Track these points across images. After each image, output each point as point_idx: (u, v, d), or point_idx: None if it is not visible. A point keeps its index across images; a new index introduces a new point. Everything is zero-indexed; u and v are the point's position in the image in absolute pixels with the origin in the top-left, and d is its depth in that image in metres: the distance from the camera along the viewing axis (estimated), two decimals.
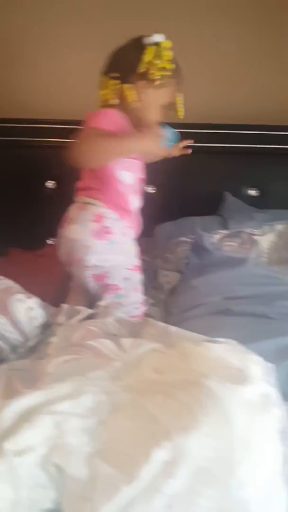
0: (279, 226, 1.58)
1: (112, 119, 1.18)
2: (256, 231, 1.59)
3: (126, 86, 1.18)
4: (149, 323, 0.96)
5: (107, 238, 1.23)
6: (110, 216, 1.24)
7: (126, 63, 1.19)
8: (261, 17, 1.85)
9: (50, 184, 1.92)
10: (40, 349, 1.00)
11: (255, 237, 1.57)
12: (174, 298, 1.40)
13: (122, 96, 1.20)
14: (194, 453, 0.56)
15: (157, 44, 1.17)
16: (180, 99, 1.26)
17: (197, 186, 1.80)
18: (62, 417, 0.62)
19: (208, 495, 0.54)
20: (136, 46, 1.18)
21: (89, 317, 1.07)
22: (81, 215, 1.25)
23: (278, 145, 1.80)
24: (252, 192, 1.86)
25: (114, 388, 0.70)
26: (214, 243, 1.55)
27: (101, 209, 1.24)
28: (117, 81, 1.19)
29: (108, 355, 0.82)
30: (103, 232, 1.23)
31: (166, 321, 1.13)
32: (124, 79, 1.19)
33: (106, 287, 1.23)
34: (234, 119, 1.83)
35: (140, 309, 1.27)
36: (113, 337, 0.90)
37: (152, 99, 1.22)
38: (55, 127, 1.86)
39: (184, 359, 0.78)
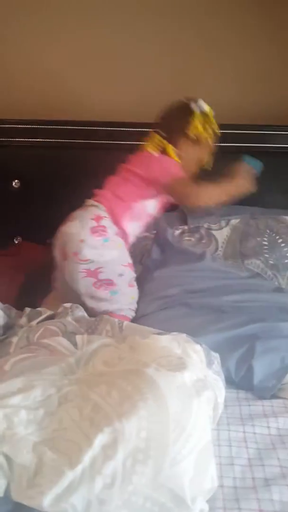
0: (234, 221, 1.64)
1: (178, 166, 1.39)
2: (213, 226, 1.65)
3: (170, 146, 1.39)
4: (103, 320, 1.02)
5: (102, 235, 1.31)
6: (108, 221, 1.34)
7: (173, 126, 1.40)
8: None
9: (15, 184, 1.94)
10: (0, 348, 1.04)
11: (213, 232, 1.63)
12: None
13: (164, 152, 1.39)
14: (131, 436, 0.62)
15: (203, 112, 1.39)
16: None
17: None
18: (12, 410, 0.67)
19: (144, 473, 0.61)
20: (185, 112, 1.39)
21: (50, 317, 1.12)
22: (83, 214, 1.36)
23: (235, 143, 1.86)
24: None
25: (65, 382, 0.76)
26: (175, 237, 1.61)
27: (103, 213, 1.35)
28: (163, 139, 1.40)
29: (62, 352, 0.88)
30: (100, 230, 1.31)
31: None
32: (169, 139, 1.39)
33: (100, 283, 1.26)
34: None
35: (132, 313, 1.30)
36: (70, 335, 0.95)
37: (192, 157, 1.43)
38: (20, 127, 1.88)
39: (133, 351, 0.85)
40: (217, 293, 1.31)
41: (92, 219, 1.32)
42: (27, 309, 1.20)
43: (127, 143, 1.82)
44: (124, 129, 1.85)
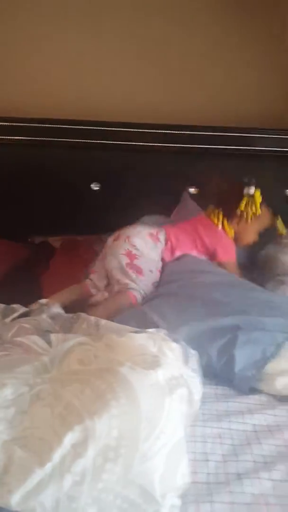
0: None
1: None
2: None
3: (225, 222, 1.64)
4: (80, 318, 1.02)
5: (154, 241, 1.54)
6: (163, 238, 1.57)
7: (227, 205, 1.64)
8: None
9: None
10: None
11: None
12: None
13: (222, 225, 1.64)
14: (102, 434, 0.62)
15: (250, 195, 1.62)
16: (280, 221, 1.74)
17: (140, 183, 1.86)
18: None
19: (114, 470, 0.61)
20: (237, 194, 1.64)
21: (24, 314, 1.11)
22: (147, 225, 1.63)
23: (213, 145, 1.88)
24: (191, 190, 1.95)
25: (37, 381, 0.76)
26: None
27: (163, 233, 1.58)
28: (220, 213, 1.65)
29: (37, 350, 0.87)
30: (155, 237, 1.55)
31: None
32: (224, 214, 1.64)
33: (132, 265, 1.46)
34: (187, 120, 1.89)
35: (139, 297, 1.42)
36: (44, 333, 0.95)
37: (244, 230, 1.67)
38: (6, 125, 1.87)
39: (109, 350, 0.85)
40: (207, 287, 1.34)
41: (152, 230, 1.57)
42: (1, 306, 1.20)
43: (116, 143, 1.85)
44: (117, 129, 1.86)
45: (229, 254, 1.61)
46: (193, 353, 0.98)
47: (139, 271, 1.45)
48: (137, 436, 0.64)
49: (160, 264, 1.52)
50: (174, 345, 0.88)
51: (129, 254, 1.48)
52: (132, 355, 0.80)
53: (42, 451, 0.61)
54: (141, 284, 1.43)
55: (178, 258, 1.55)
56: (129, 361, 0.76)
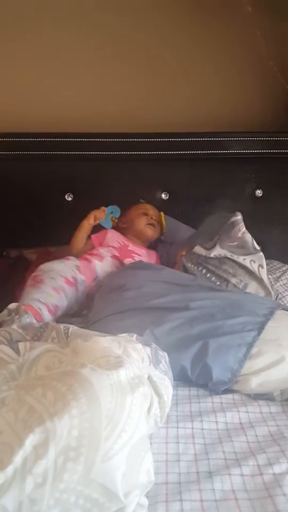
0: None
1: None
2: None
3: None
4: (49, 326, 1.02)
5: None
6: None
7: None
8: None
9: None
10: None
11: None
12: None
13: None
14: (62, 434, 0.62)
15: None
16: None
17: (114, 192, 1.88)
18: None
19: (76, 470, 0.61)
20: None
21: None
22: None
23: (185, 150, 1.92)
24: (163, 196, 1.98)
25: (4, 388, 0.76)
26: None
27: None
28: None
29: (4, 359, 0.87)
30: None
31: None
32: None
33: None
34: (143, 128, 1.93)
35: (42, 307, 1.40)
36: (14, 343, 0.95)
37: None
38: None
39: (75, 354, 0.85)
40: (167, 294, 1.34)
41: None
42: None
43: (82, 153, 1.87)
44: (83, 139, 1.88)
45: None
46: (162, 355, 0.99)
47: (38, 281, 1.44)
48: (98, 435, 0.64)
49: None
50: (139, 346, 0.89)
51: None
52: (95, 358, 0.80)
53: (4, 455, 0.61)
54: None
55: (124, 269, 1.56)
56: (92, 363, 0.77)
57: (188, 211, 1.93)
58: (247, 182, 2.00)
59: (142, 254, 1.71)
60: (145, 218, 1.79)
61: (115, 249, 1.67)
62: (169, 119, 1.99)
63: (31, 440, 0.62)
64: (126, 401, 0.69)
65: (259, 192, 2.01)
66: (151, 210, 1.84)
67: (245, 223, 1.56)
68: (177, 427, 0.93)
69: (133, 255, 1.69)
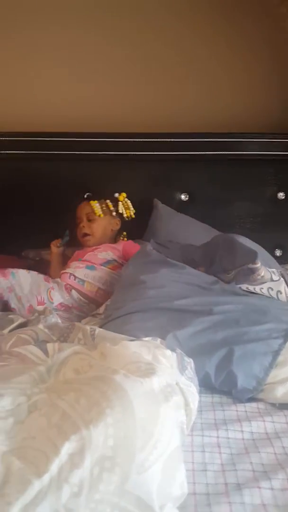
0: None
1: None
2: None
3: None
4: (76, 327, 1.01)
5: None
6: None
7: None
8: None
9: None
10: None
11: None
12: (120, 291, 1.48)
13: None
14: (98, 443, 0.62)
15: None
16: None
17: (131, 192, 1.87)
18: None
19: (111, 481, 0.60)
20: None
21: (22, 325, 1.11)
22: None
23: (203, 151, 1.90)
24: (183, 197, 1.96)
25: (34, 390, 0.75)
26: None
27: None
28: None
29: (33, 360, 0.86)
30: None
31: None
32: None
33: None
34: (162, 128, 1.91)
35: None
36: (41, 343, 0.94)
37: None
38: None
39: (104, 358, 0.84)
40: (189, 295, 1.33)
41: None
42: None
43: (100, 153, 1.86)
44: (101, 139, 1.87)
45: None
46: (188, 361, 0.98)
47: None
48: (133, 445, 0.63)
49: None
50: (168, 352, 0.88)
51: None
52: (126, 363, 0.80)
53: (39, 462, 0.61)
54: None
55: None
56: (123, 369, 0.76)
57: (208, 213, 1.91)
58: (268, 184, 1.98)
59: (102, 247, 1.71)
60: (78, 229, 1.78)
61: (76, 255, 1.74)
62: (185, 119, 1.98)
63: (66, 448, 0.61)
64: (160, 411, 0.68)
65: (281, 195, 1.98)
66: (81, 211, 1.80)
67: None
68: (202, 435, 0.92)
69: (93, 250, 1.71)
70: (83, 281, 1.59)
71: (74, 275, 1.60)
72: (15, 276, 1.54)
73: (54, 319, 1.12)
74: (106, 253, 1.67)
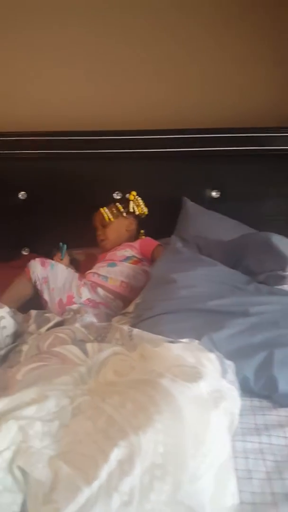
0: None
1: None
2: None
3: None
4: (113, 327, 1.00)
5: None
6: None
7: None
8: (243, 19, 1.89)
9: (21, 195, 1.95)
10: (11, 357, 1.03)
11: None
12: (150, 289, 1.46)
13: None
14: (148, 450, 0.60)
15: None
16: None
17: (160, 190, 1.85)
18: (26, 421, 0.65)
19: (163, 490, 0.58)
20: None
21: (59, 323, 1.10)
22: None
23: (235, 147, 1.86)
24: (213, 194, 1.92)
25: (77, 392, 0.74)
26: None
27: None
28: None
29: (74, 360, 0.85)
30: None
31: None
32: None
33: None
34: (192, 123, 1.87)
35: None
36: (80, 342, 0.93)
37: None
38: (25, 139, 1.89)
39: (144, 360, 0.82)
40: (223, 295, 1.30)
41: None
42: (33, 312, 1.21)
43: (130, 151, 1.84)
44: (125, 137, 1.85)
45: None
46: (229, 364, 0.95)
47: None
48: (184, 453, 0.61)
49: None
50: (212, 355, 0.85)
51: None
52: (169, 366, 0.78)
53: (88, 468, 0.59)
54: None
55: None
56: (167, 372, 0.74)
57: (239, 210, 1.86)
58: None
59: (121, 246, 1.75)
60: (97, 237, 1.84)
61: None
62: (215, 114, 1.94)
63: (116, 455, 0.60)
64: (211, 417, 0.66)
65: None
66: (96, 220, 1.84)
67: None
68: (244, 441, 0.89)
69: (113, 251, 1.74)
70: (106, 277, 1.62)
71: (97, 273, 1.64)
72: (53, 267, 1.58)
73: (90, 318, 1.11)
74: (125, 250, 1.72)
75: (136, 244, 1.76)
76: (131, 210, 1.83)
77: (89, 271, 1.68)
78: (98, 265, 1.70)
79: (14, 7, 1.90)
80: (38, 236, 1.84)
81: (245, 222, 1.80)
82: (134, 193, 1.84)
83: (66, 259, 1.77)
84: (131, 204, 1.83)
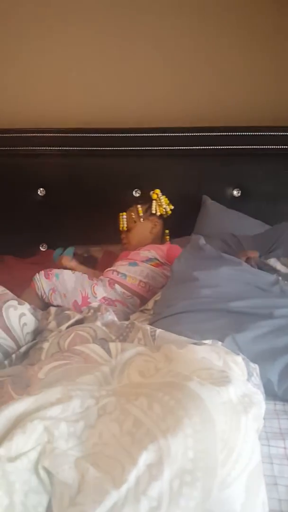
0: None
1: None
2: None
3: None
4: (136, 327, 0.98)
5: None
6: None
7: None
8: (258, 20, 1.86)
9: (40, 192, 1.95)
10: (31, 355, 1.02)
11: None
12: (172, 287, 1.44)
13: None
14: (177, 455, 0.58)
15: None
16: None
17: (180, 188, 1.82)
18: (51, 422, 0.64)
19: (192, 496, 0.57)
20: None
21: (79, 321, 1.09)
22: None
23: (258, 145, 1.82)
24: (235, 193, 1.89)
25: (101, 393, 0.73)
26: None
27: None
28: None
29: (96, 360, 0.84)
30: None
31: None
32: None
33: None
34: (213, 122, 1.85)
35: None
36: (101, 341, 0.92)
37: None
38: (45, 136, 1.89)
39: (169, 362, 0.81)
40: (246, 296, 1.27)
41: None
42: (52, 309, 1.20)
43: (150, 149, 1.82)
44: (150, 134, 1.84)
45: None
46: (254, 367, 0.93)
47: None
48: (215, 458, 0.59)
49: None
50: (239, 358, 0.83)
51: None
52: (195, 369, 0.76)
53: (115, 471, 0.58)
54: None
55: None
56: (194, 375, 0.72)
57: (262, 209, 1.83)
58: None
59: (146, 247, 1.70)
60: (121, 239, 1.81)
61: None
62: (235, 112, 1.90)
63: (144, 458, 0.58)
64: (241, 423, 0.64)
65: None
66: (120, 225, 1.81)
67: None
68: (269, 445, 0.87)
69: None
70: (125, 275, 1.59)
71: (117, 271, 1.61)
72: (58, 277, 1.57)
73: (111, 316, 1.09)
74: (149, 251, 1.67)
75: (164, 247, 1.70)
76: (154, 211, 1.78)
77: (109, 268, 1.65)
78: (118, 263, 1.68)
79: (37, 3, 1.89)
80: (56, 233, 1.84)
81: (266, 221, 1.78)
82: (157, 191, 1.78)
83: (74, 261, 1.73)
84: (154, 205, 1.78)
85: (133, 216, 1.78)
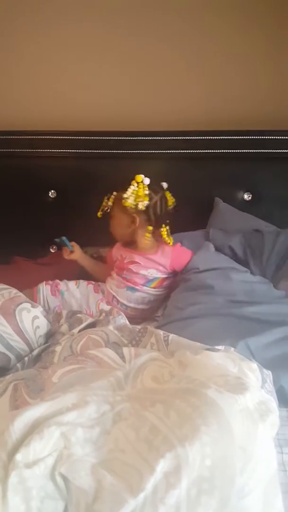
0: None
1: None
2: None
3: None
4: (148, 332, 0.98)
5: None
6: None
7: None
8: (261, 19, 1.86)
9: (51, 194, 1.96)
10: (44, 358, 1.02)
11: None
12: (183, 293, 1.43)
13: None
14: (195, 463, 0.58)
15: None
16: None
17: (191, 191, 1.82)
18: (67, 427, 0.64)
19: (210, 505, 0.56)
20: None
21: (91, 325, 1.09)
22: None
23: (269, 149, 1.81)
24: (245, 197, 1.89)
25: (116, 398, 0.73)
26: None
27: None
28: None
29: (110, 364, 0.84)
30: None
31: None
32: None
33: None
34: (226, 125, 1.84)
35: None
36: (114, 345, 0.92)
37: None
38: (57, 138, 1.89)
39: (183, 368, 0.81)
40: (259, 302, 1.27)
41: None
42: (63, 311, 1.20)
43: (160, 152, 1.82)
44: (160, 138, 1.83)
45: None
46: (267, 373, 0.92)
47: None
48: (233, 467, 0.59)
49: None
50: (255, 365, 0.83)
51: None
52: (211, 375, 0.75)
53: (132, 479, 0.58)
54: None
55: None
56: (210, 382, 0.72)
57: (272, 213, 1.82)
58: None
59: (140, 261, 1.53)
60: None
61: (116, 265, 1.60)
62: (248, 116, 1.89)
63: (161, 467, 0.58)
64: (258, 431, 0.64)
65: None
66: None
67: None
68: (282, 453, 0.87)
69: (129, 266, 1.55)
70: (126, 305, 1.54)
71: (116, 299, 1.54)
72: (64, 295, 1.54)
73: (123, 320, 1.09)
74: (147, 271, 1.52)
75: (168, 257, 1.52)
76: (125, 202, 1.46)
77: (109, 288, 1.57)
78: (116, 278, 1.57)
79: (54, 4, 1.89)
80: (67, 235, 1.83)
81: (277, 225, 1.76)
82: (139, 178, 1.44)
83: (77, 249, 1.64)
84: (128, 193, 1.46)
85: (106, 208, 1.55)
